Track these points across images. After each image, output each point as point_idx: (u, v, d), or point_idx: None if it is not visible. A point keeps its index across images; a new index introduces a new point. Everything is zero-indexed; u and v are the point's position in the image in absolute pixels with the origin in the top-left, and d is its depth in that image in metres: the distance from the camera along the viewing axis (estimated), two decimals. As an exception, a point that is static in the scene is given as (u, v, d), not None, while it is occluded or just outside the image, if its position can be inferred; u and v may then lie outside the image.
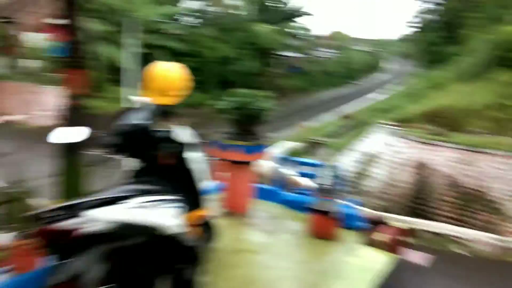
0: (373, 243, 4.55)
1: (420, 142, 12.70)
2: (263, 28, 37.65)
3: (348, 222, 4.90)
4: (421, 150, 12.62)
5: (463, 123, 14.62)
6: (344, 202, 5.34)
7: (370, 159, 13.72)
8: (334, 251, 4.48)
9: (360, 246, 4.52)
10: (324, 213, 4.56)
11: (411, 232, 4.94)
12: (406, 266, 4.81)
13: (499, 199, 10.88)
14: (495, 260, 9.87)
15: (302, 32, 47.67)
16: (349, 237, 4.78)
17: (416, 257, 5.42)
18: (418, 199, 12.14)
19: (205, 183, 3.06)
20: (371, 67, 72.70)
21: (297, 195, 5.75)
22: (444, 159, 12.01)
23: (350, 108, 35.17)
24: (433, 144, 12.38)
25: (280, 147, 19.28)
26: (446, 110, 15.05)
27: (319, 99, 40.80)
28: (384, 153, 13.39)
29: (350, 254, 4.30)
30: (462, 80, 18.63)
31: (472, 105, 14.57)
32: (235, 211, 5.04)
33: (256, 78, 38.51)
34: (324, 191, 4.66)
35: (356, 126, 21.03)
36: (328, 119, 30.62)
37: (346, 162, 14.77)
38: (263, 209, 5.42)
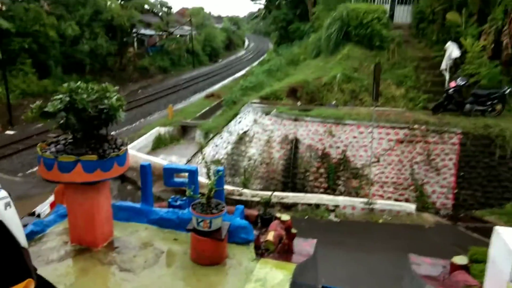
0: (264, 249, 3.90)
1: (287, 118, 13.03)
2: (113, 2, 34.11)
3: (236, 236, 3.93)
4: (289, 126, 12.96)
5: (321, 96, 15.59)
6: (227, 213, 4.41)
7: (243, 138, 13.56)
8: (225, 281, 3.44)
9: (255, 264, 3.63)
10: (206, 233, 3.49)
11: (290, 222, 4.38)
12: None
13: (363, 166, 11.90)
14: (363, 222, 10.82)
15: (160, 8, 45.06)
16: (240, 254, 3.79)
17: (306, 244, 5.12)
18: (293, 174, 12.51)
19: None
20: (232, 45, 74.02)
21: (171, 210, 4.29)
22: (312, 132, 12.56)
23: (216, 87, 35.05)
24: (300, 119, 12.82)
25: (150, 135, 17.80)
26: (305, 85, 15.81)
27: (184, 79, 39.58)
28: (256, 132, 13.37)
29: (248, 280, 3.40)
30: (316, 56, 19.94)
31: (326, 79, 15.61)
32: (88, 246, 3.80)
33: (111, 59, 34.99)
34: (202, 205, 3.62)
35: (225, 106, 20.82)
36: (195, 100, 29.88)
37: (220, 143, 14.35)
38: (127, 236, 4.07)
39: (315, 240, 4.94)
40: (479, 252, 6.34)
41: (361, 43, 17.20)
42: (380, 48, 16.81)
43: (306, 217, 11.18)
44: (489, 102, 12.28)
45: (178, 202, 4.46)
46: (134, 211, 4.32)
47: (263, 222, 4.58)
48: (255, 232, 4.10)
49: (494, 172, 11.15)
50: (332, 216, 11.10)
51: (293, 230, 4.36)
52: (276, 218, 4.39)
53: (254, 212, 4.75)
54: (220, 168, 4.08)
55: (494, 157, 11.16)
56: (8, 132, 21.19)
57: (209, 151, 14.25)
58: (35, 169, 15.13)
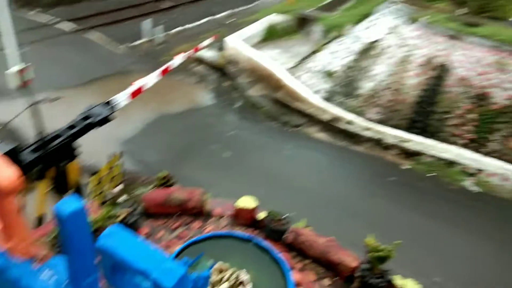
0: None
1: (441, 33, 9.33)
2: None
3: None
4: (440, 45, 9.35)
5: (498, 6, 10.94)
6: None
7: (370, 50, 10.43)
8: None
9: None
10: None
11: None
12: None
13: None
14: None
15: None
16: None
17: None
18: (427, 112, 9.37)
19: None
20: None
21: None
22: (472, 60, 8.86)
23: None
24: (459, 38, 9.07)
25: (262, 23, 15.31)
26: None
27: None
28: (390, 45, 10.08)
29: None
30: None
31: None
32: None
33: None
34: None
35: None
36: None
37: (339, 50, 11.39)
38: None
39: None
40: None
41: None
42: None
43: (430, 174, 8.45)
44: None
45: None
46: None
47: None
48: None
49: None
50: (469, 183, 8.16)
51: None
52: None
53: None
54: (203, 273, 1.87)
55: None
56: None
57: (322, 57, 11.49)
58: (140, 41, 14.27)
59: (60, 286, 1.70)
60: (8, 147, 5.24)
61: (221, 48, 11.78)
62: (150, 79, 8.22)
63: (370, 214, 7.35)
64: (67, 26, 15.02)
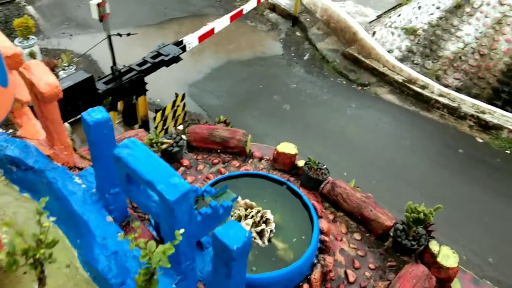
0: None
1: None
2: None
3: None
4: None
5: None
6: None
7: (461, 8, 9.30)
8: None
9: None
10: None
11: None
12: None
13: None
14: None
15: None
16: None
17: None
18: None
19: None
20: None
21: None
22: None
23: None
24: None
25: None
26: None
27: None
28: (485, 1, 8.88)
29: None
30: None
31: None
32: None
33: None
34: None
35: None
36: None
37: (425, 4, 10.31)
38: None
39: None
40: None
41: None
42: None
43: (507, 151, 7.69)
44: None
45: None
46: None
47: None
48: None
49: None
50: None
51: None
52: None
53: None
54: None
55: None
56: None
57: (406, 12, 10.51)
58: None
59: (88, 193, 1.88)
60: (85, 75, 5.70)
61: (297, -4, 11.30)
62: (222, 22, 8.23)
63: (429, 185, 6.98)
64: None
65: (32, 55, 8.04)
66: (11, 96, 1.49)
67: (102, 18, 5.92)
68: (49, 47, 9.84)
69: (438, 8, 9.86)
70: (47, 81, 1.83)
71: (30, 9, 11.12)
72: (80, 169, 2.22)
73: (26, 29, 7.72)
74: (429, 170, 7.37)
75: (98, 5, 5.70)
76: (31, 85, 1.85)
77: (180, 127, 7.71)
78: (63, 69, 7.66)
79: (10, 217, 1.80)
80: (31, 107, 2.33)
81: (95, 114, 1.69)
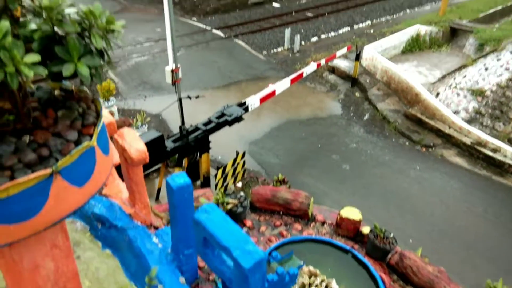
0: None
1: None
2: None
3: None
4: None
5: None
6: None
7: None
8: None
9: None
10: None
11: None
12: None
13: None
14: None
15: None
16: None
17: None
18: None
19: None
20: None
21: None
22: None
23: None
24: None
25: (405, 34, 14.46)
26: None
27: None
28: None
29: None
30: None
31: None
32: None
33: None
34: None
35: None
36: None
37: (493, 66, 10.01)
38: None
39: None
40: None
41: None
42: None
43: None
44: None
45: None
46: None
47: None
48: None
49: None
50: None
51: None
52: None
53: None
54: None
55: None
56: (274, 4, 21.50)
57: (472, 73, 10.26)
58: (279, 49, 15.01)
59: (164, 252, 1.98)
60: (156, 134, 6.16)
61: (357, 58, 11.56)
62: (282, 84, 8.60)
63: (505, 257, 6.31)
64: (217, 33, 16.71)
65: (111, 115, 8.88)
66: (111, 162, 1.69)
67: (175, 82, 6.49)
68: (125, 108, 10.83)
69: (507, 69, 9.53)
70: (137, 147, 2.05)
71: (110, 73, 12.48)
72: (156, 227, 2.36)
73: (108, 92, 8.63)
74: (505, 240, 6.69)
75: (172, 71, 6.28)
76: (122, 150, 2.08)
77: (239, 184, 7.88)
78: (137, 128, 8.34)
79: (92, 272, 1.94)
80: (116, 168, 2.58)
81: (178, 179, 1.84)
